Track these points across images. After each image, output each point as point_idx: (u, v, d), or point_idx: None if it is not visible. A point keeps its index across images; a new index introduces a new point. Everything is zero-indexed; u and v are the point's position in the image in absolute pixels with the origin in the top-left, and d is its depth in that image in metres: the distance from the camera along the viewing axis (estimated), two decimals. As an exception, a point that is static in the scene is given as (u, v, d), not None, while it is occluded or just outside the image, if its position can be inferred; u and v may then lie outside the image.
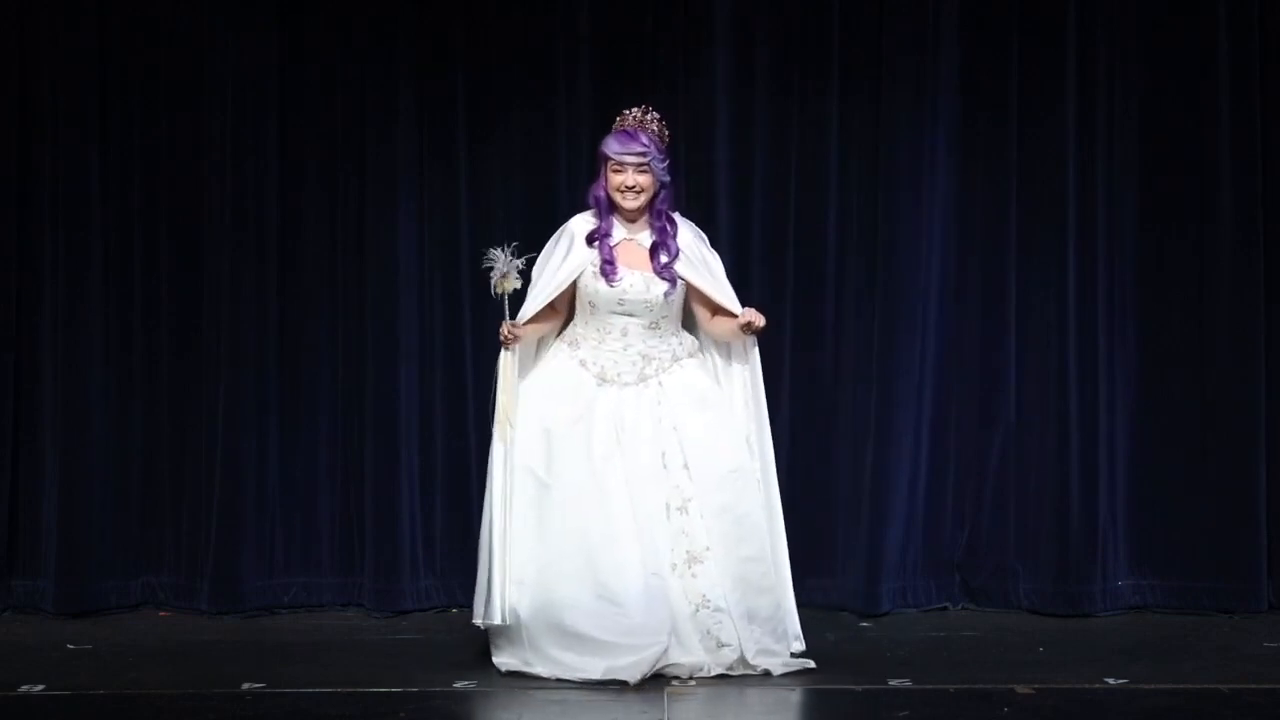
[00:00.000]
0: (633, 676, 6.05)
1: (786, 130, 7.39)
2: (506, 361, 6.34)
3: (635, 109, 6.40)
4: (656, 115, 6.40)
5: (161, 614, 7.34)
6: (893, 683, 6.14)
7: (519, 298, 6.37)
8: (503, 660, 6.26)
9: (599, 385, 6.34)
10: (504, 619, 6.19)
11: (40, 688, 6.08)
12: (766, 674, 6.18)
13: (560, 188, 7.35)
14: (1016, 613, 7.31)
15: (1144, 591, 7.37)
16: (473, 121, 7.40)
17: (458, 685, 6.12)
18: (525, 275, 6.33)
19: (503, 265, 6.30)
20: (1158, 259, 7.39)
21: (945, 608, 7.40)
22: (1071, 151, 7.33)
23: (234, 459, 7.31)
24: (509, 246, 6.30)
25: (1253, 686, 6.08)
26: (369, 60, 7.35)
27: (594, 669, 6.09)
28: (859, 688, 6.09)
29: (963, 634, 7.00)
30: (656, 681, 6.07)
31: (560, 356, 6.42)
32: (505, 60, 7.38)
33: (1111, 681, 6.15)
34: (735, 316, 6.33)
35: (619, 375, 6.34)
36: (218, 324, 7.33)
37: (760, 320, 6.26)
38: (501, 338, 6.32)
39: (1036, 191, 7.39)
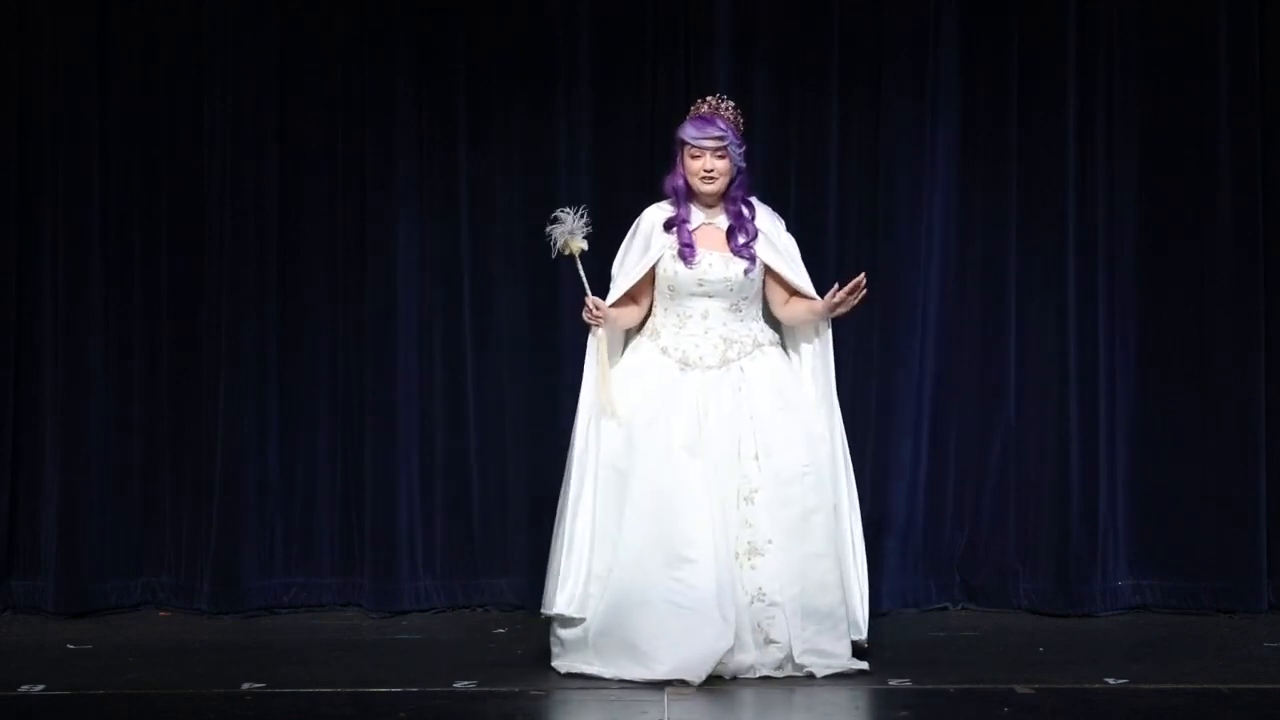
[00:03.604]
0: (697, 676, 6.04)
1: (786, 129, 7.38)
2: (595, 346, 6.31)
3: (711, 96, 6.42)
4: (732, 103, 6.41)
5: (161, 614, 7.34)
6: (893, 683, 6.14)
7: (588, 264, 6.31)
8: (564, 663, 6.24)
9: (682, 371, 6.29)
10: (575, 610, 6.18)
11: (40, 688, 6.08)
12: (811, 676, 6.15)
13: (560, 188, 7.34)
14: (1016, 613, 7.31)
15: (1144, 591, 7.37)
16: (473, 121, 7.40)
17: (457, 685, 6.11)
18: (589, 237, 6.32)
19: (569, 224, 6.27)
20: (1158, 259, 7.39)
21: (945, 608, 7.40)
22: (1071, 152, 7.33)
23: (234, 459, 7.31)
24: (578, 209, 6.28)
25: (1253, 686, 6.08)
26: (369, 60, 7.35)
27: (658, 669, 6.05)
28: (859, 688, 6.09)
29: (963, 634, 7.00)
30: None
31: (642, 348, 6.37)
32: (505, 60, 7.38)
33: (1111, 681, 6.15)
34: (809, 299, 6.34)
35: (701, 359, 6.30)
36: (218, 324, 7.33)
37: (848, 302, 6.22)
38: (587, 316, 6.28)
39: (1036, 192, 7.39)
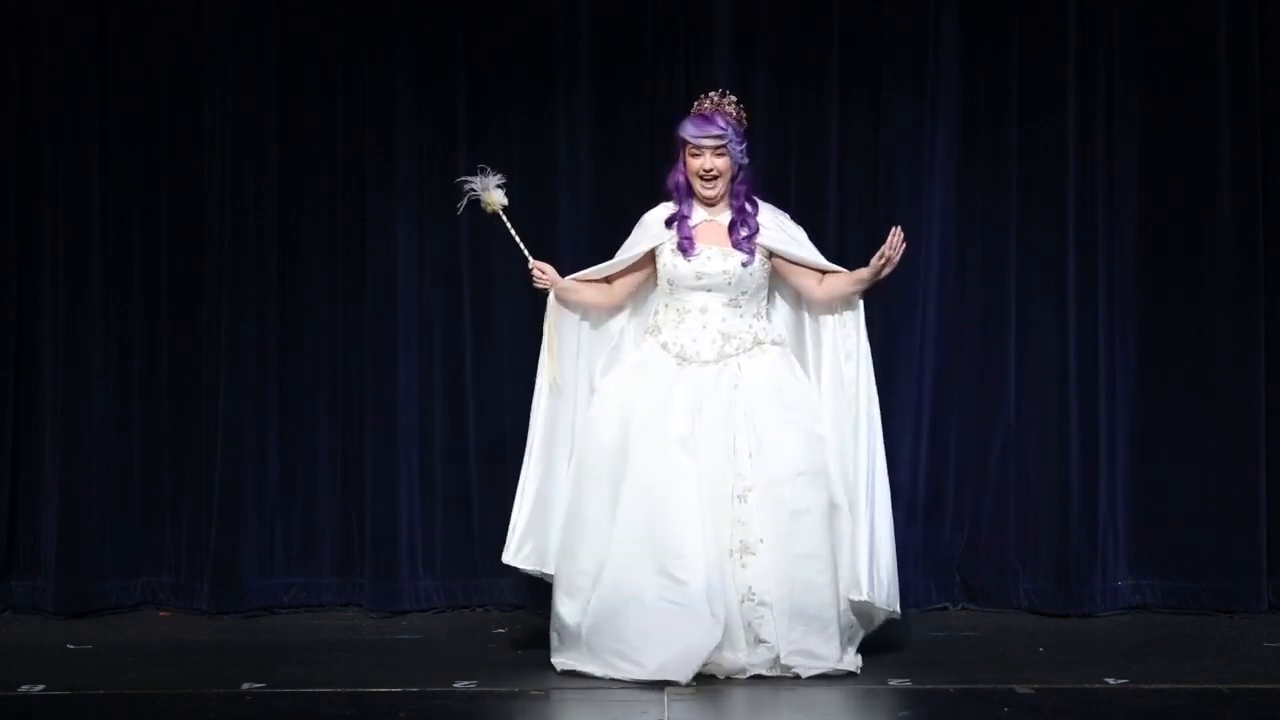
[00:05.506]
0: (684, 674, 6.04)
1: (786, 129, 7.39)
2: (547, 316, 6.44)
3: (713, 92, 6.43)
4: (733, 98, 6.41)
5: (161, 614, 7.34)
6: (893, 683, 6.14)
7: (515, 220, 6.41)
8: (559, 660, 6.27)
9: (679, 366, 6.30)
10: (519, 560, 6.38)
11: (40, 688, 6.08)
12: (796, 677, 6.14)
13: (560, 188, 7.35)
14: (1016, 613, 7.31)
15: (1144, 591, 7.37)
16: (473, 121, 7.40)
17: (457, 685, 6.11)
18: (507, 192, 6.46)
19: (479, 184, 6.34)
20: (1158, 259, 7.39)
21: (945, 608, 7.40)
22: (1071, 152, 7.33)
23: (234, 459, 7.31)
24: (482, 169, 6.39)
25: (1253, 686, 6.08)
26: (369, 60, 7.35)
27: (647, 666, 6.06)
28: (860, 688, 6.10)
29: (963, 634, 7.00)
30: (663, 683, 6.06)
31: (644, 346, 6.39)
32: (505, 60, 7.38)
33: (1111, 681, 6.15)
34: (840, 271, 6.39)
35: (698, 354, 6.30)
36: (218, 324, 7.33)
37: (891, 260, 6.27)
38: (533, 277, 6.40)
39: (1036, 192, 7.39)
